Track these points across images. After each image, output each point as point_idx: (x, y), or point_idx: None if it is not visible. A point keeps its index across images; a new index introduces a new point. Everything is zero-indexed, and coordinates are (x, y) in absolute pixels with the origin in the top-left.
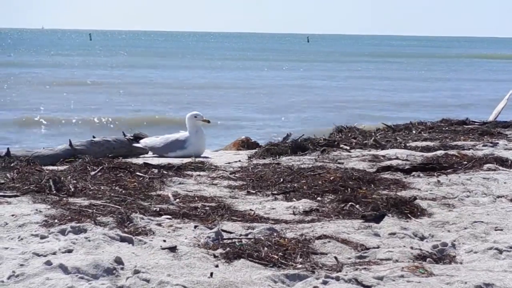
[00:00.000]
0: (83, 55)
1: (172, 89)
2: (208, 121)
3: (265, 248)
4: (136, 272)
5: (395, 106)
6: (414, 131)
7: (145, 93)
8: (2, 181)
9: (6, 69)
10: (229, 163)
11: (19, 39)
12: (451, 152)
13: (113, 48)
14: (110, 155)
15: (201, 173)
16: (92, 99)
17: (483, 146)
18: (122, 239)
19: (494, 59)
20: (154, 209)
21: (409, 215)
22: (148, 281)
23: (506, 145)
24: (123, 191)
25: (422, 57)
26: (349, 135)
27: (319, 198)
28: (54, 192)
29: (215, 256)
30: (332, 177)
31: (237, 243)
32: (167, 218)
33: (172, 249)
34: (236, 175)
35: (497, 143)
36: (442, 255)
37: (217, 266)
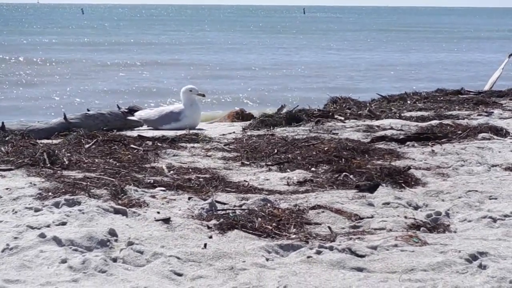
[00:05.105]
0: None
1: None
2: (203, 95)
3: (259, 219)
4: (130, 244)
5: None
6: (409, 101)
7: None
8: None
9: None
10: (223, 134)
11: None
12: (445, 121)
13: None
14: (104, 128)
15: (195, 145)
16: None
17: (478, 115)
18: (116, 211)
19: None
20: (148, 181)
21: (403, 185)
22: (142, 252)
23: (501, 114)
24: (117, 164)
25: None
26: (344, 105)
27: (313, 169)
28: (48, 165)
29: (209, 227)
30: (326, 148)
31: (230, 214)
32: (161, 190)
33: (166, 220)
34: (231, 146)
35: (492, 112)
36: (436, 224)
37: (210, 237)
